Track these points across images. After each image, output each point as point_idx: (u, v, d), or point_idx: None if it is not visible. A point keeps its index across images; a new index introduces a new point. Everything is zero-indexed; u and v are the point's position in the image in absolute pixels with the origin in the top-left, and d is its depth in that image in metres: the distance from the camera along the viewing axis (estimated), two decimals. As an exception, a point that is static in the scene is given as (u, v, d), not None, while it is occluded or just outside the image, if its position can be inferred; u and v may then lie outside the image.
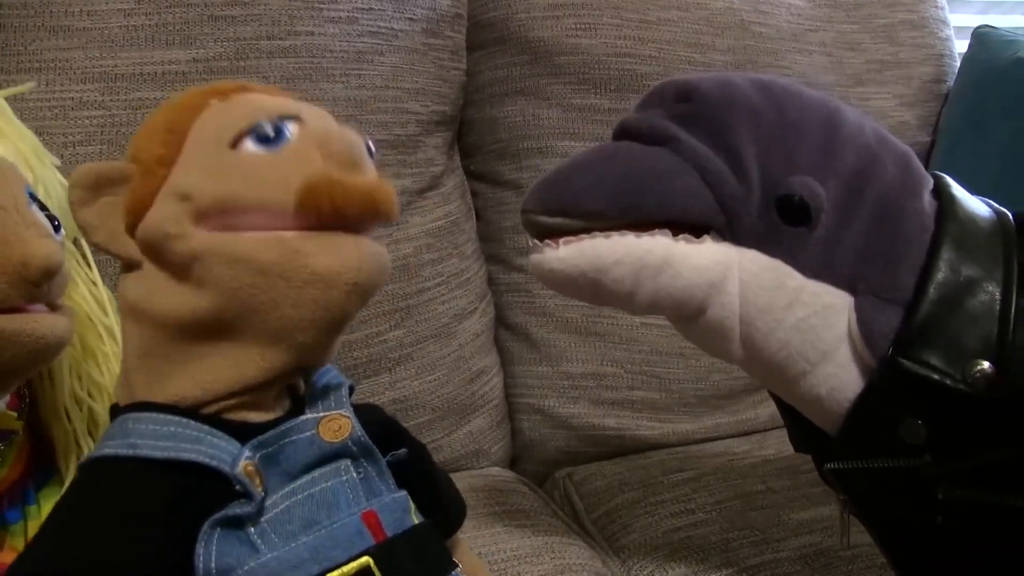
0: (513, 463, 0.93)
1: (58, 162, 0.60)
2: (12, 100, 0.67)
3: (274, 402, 0.44)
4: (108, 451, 0.40)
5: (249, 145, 0.41)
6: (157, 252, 0.41)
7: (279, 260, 0.40)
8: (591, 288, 0.49)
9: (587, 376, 0.90)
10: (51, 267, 0.44)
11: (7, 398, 0.49)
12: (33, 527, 0.51)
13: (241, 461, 0.40)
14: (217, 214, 0.40)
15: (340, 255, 0.40)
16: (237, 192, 0.40)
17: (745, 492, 0.77)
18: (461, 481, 0.80)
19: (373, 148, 0.45)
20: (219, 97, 0.44)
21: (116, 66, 0.71)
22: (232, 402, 0.42)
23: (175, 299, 0.41)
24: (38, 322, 0.44)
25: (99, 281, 0.58)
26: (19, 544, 0.50)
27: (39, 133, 0.67)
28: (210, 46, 0.74)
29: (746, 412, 0.94)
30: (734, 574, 0.65)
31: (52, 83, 0.69)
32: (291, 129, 0.42)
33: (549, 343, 0.91)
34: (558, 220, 0.48)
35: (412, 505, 0.45)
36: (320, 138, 0.42)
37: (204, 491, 0.39)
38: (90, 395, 0.55)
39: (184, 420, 0.41)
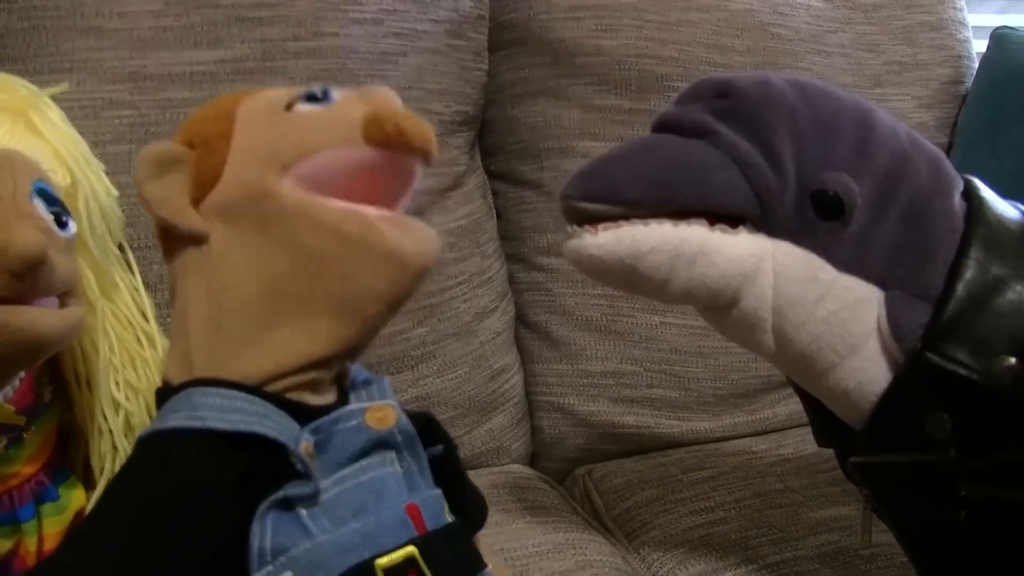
0: (533, 460, 0.93)
1: (100, 164, 0.61)
2: (45, 99, 0.68)
3: (330, 386, 0.45)
4: (174, 423, 0.40)
5: (302, 106, 0.45)
6: (239, 214, 0.43)
7: (362, 233, 0.42)
8: (626, 275, 0.49)
9: (607, 374, 0.91)
10: (29, 256, 0.43)
11: (7, 391, 0.48)
12: (50, 524, 0.51)
13: (302, 442, 0.41)
14: (298, 162, 0.43)
15: (417, 238, 0.43)
16: (312, 137, 0.43)
17: (764, 491, 0.77)
18: (482, 478, 0.81)
19: None
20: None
21: (145, 66, 0.72)
22: (298, 379, 0.43)
23: (253, 262, 0.42)
24: (16, 314, 0.43)
25: (141, 288, 0.59)
26: (31, 543, 0.50)
27: (69, 133, 0.68)
28: (237, 47, 0.75)
29: (764, 411, 0.95)
30: (753, 572, 0.66)
31: (83, 83, 0.70)
32: (333, 91, 0.45)
33: (569, 341, 0.92)
34: (598, 207, 0.49)
35: (445, 504, 0.46)
36: (361, 93, 0.45)
37: (268, 468, 0.40)
38: (126, 398, 0.56)
39: (250, 396, 0.41)
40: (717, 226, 0.48)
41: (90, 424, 0.55)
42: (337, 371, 0.46)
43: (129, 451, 0.53)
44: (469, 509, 0.51)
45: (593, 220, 0.49)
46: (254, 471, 0.40)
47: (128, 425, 0.56)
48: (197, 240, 0.44)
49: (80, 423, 0.56)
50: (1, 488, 0.49)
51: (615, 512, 0.80)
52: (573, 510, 0.80)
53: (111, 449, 0.55)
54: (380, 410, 0.45)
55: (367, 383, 0.47)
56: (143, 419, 0.56)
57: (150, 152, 0.44)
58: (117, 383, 0.56)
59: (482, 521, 0.53)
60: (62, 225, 0.50)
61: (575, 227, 0.50)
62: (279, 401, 0.42)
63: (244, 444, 0.40)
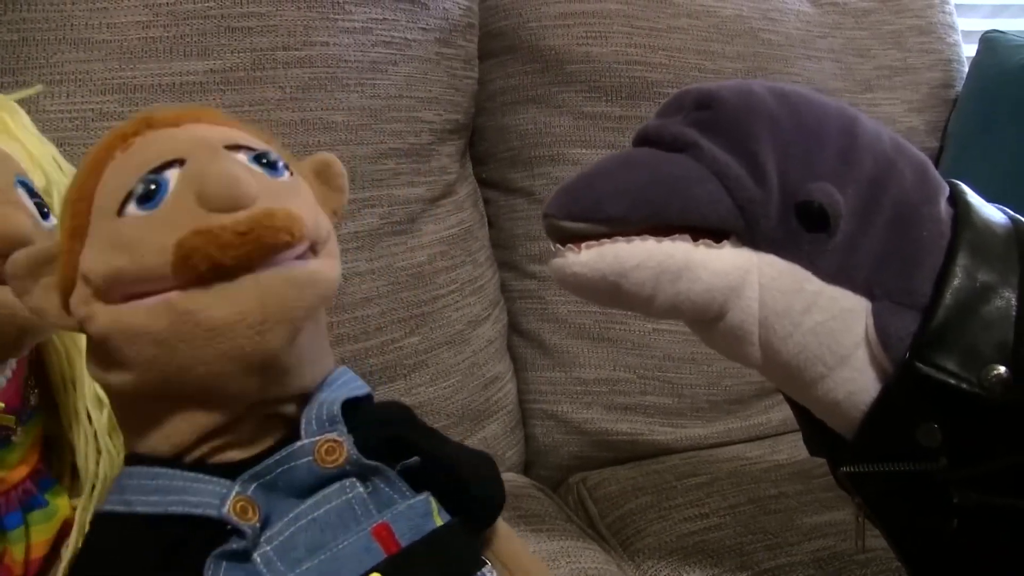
0: (527, 468, 0.93)
1: (69, 167, 0.61)
2: (34, 111, 0.68)
3: (259, 433, 0.43)
4: (107, 508, 0.42)
5: (132, 209, 0.39)
6: (84, 330, 0.41)
7: (171, 327, 0.38)
8: (611, 292, 0.49)
9: (600, 382, 0.91)
10: (17, 235, 0.43)
11: None
12: (38, 532, 0.51)
13: (229, 500, 0.40)
14: (111, 291, 0.39)
15: (236, 302, 0.38)
16: (121, 266, 0.38)
17: (758, 496, 0.77)
18: (476, 487, 0.80)
19: (276, 158, 0.43)
20: (122, 145, 0.42)
21: (135, 77, 0.72)
22: (205, 448, 0.42)
23: (108, 374, 0.41)
24: (2, 292, 0.44)
25: None
26: (18, 552, 0.49)
27: (59, 144, 0.68)
28: (227, 57, 0.75)
29: (758, 417, 0.95)
30: (748, 578, 0.66)
31: (72, 95, 0.70)
32: (169, 180, 0.39)
33: (562, 349, 0.92)
34: (580, 225, 0.48)
35: (434, 507, 0.44)
36: (196, 182, 0.39)
37: (198, 537, 0.40)
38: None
39: (171, 471, 0.41)
40: (701, 241, 0.48)
41: (75, 426, 0.55)
42: (271, 412, 0.43)
43: (114, 452, 0.55)
44: (475, 497, 0.49)
45: (576, 238, 0.49)
46: (183, 543, 0.40)
47: (112, 424, 0.56)
48: None
49: (65, 427, 0.56)
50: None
51: (609, 519, 0.80)
52: (567, 518, 0.80)
53: (95, 452, 0.55)
54: (329, 444, 0.43)
55: (319, 410, 0.44)
56: None
57: (15, 264, 0.41)
58: None
59: (491, 508, 0.50)
60: (44, 216, 0.50)
61: (558, 246, 0.50)
62: (203, 467, 0.42)
63: (169, 521, 0.40)
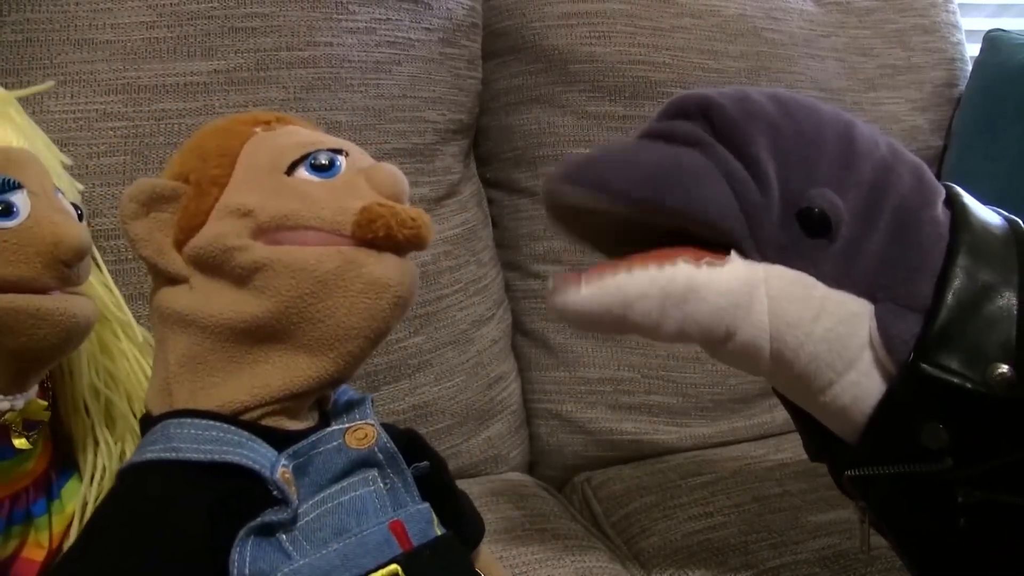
0: (531, 468, 0.93)
1: (69, 161, 0.61)
2: (39, 112, 0.69)
3: (310, 410, 0.46)
4: (150, 455, 0.41)
5: (304, 172, 0.45)
6: (214, 265, 0.43)
7: (338, 270, 0.42)
8: (616, 324, 0.48)
9: (604, 381, 0.91)
10: (82, 247, 0.45)
11: (36, 387, 0.50)
12: (58, 521, 0.51)
13: (279, 468, 0.41)
14: (273, 230, 0.43)
15: (394, 271, 0.43)
16: (296, 211, 0.43)
17: (763, 495, 0.77)
18: (480, 486, 0.80)
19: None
20: (263, 126, 0.48)
21: (139, 78, 0.72)
22: (274, 407, 0.43)
23: (232, 307, 0.43)
24: (69, 302, 0.46)
25: (111, 282, 0.59)
26: (43, 538, 0.51)
27: (65, 144, 0.69)
28: (231, 57, 0.75)
29: (762, 416, 0.95)
30: (752, 576, 0.66)
31: (77, 95, 0.70)
32: (341, 160, 0.45)
33: (566, 349, 0.92)
34: (579, 191, 0.47)
35: (435, 517, 0.46)
36: (367, 171, 0.45)
37: (243, 496, 0.40)
38: (106, 386, 0.57)
39: (225, 426, 0.42)
40: (704, 261, 0.47)
41: (73, 416, 0.56)
42: (317, 396, 0.46)
43: (110, 441, 0.56)
44: (462, 522, 0.51)
45: (579, 232, 0.48)
46: (230, 499, 0.40)
47: (109, 415, 0.57)
48: (178, 280, 0.45)
49: (64, 417, 0.56)
50: (21, 484, 0.50)
51: (614, 519, 0.80)
52: (572, 517, 0.80)
53: (93, 442, 0.56)
54: (360, 429, 0.45)
55: (349, 405, 0.47)
56: (124, 409, 0.56)
57: (137, 189, 0.44)
58: (96, 371, 0.56)
59: (478, 532, 0.53)
60: (79, 218, 0.51)
61: (556, 281, 0.48)
62: (255, 428, 0.43)
63: (219, 473, 0.40)
